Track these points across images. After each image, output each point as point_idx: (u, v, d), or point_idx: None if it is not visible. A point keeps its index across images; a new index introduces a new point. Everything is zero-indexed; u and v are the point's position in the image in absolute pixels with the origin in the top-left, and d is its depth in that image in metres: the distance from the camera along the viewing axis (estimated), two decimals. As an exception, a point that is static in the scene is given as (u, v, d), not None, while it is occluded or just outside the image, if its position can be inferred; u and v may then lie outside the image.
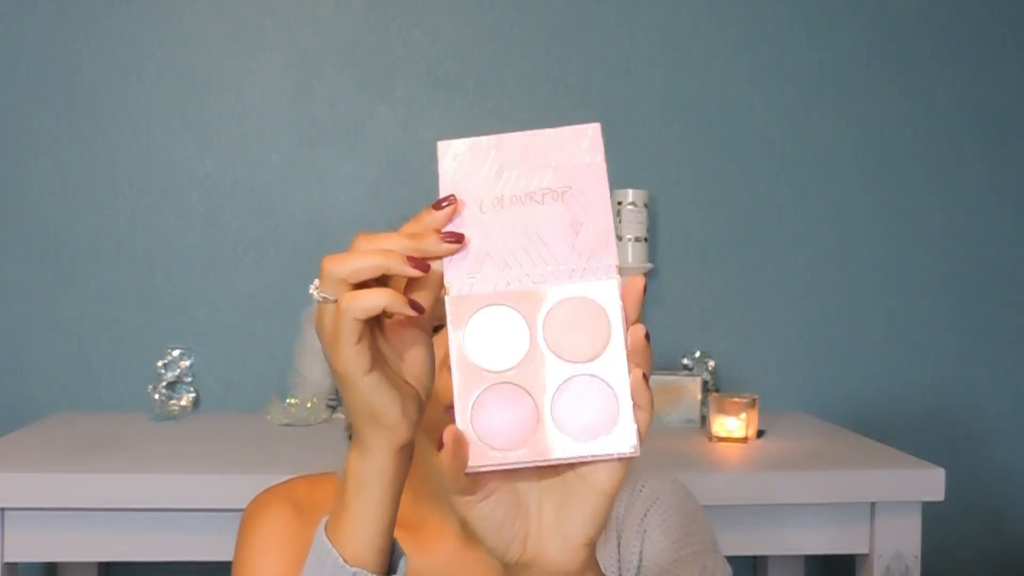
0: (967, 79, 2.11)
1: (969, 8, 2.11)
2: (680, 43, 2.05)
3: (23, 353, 1.93)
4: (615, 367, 0.53)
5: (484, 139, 0.59)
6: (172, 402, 1.91)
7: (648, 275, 1.99)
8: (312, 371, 1.86)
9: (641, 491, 0.92)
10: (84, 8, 1.94)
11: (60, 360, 1.94)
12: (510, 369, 0.54)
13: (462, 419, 0.53)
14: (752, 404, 1.69)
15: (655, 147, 2.05)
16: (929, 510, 1.51)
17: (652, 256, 1.98)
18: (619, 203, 1.92)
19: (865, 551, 1.51)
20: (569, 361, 0.54)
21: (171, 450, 1.59)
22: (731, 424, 1.68)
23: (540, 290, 0.55)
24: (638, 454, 0.52)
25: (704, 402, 1.80)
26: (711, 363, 2.02)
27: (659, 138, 2.05)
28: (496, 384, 0.54)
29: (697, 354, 2.02)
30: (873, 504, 1.50)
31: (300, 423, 1.79)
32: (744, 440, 1.67)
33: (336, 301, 0.54)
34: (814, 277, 2.08)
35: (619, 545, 0.90)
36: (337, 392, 1.88)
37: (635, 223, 1.91)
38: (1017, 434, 2.13)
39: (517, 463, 0.53)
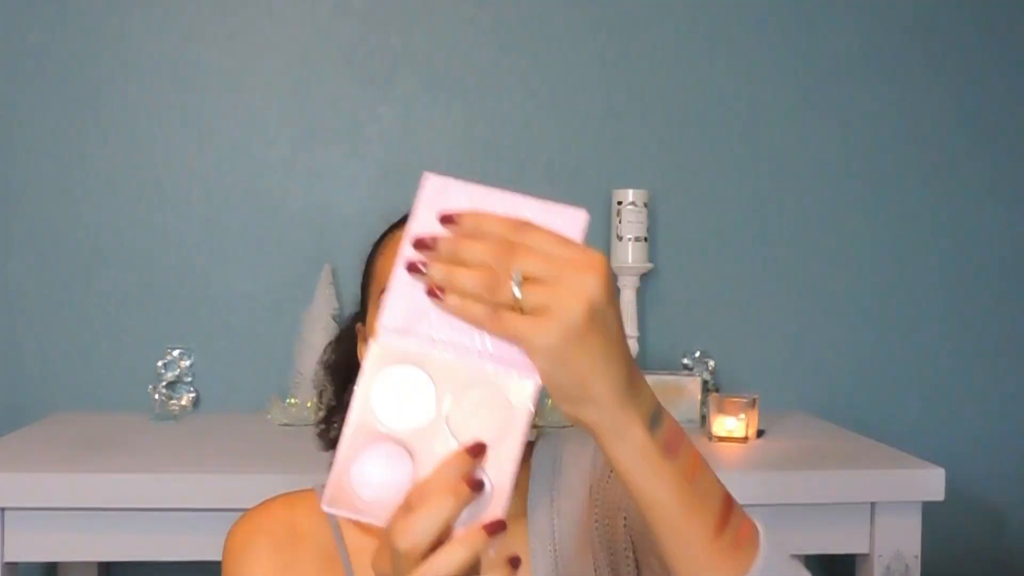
0: (965, 79, 2.11)
1: (967, 9, 2.10)
2: (681, 43, 2.05)
3: (23, 353, 1.93)
4: (503, 467, 0.54)
5: (470, 186, 0.57)
6: (172, 402, 1.91)
7: (648, 275, 1.99)
8: (312, 371, 1.86)
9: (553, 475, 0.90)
10: (84, 8, 1.94)
11: (60, 360, 1.94)
12: (405, 431, 0.55)
13: (343, 458, 0.54)
14: (752, 404, 1.69)
15: (655, 147, 2.05)
16: (929, 510, 1.51)
17: (652, 256, 1.98)
18: (619, 203, 1.92)
19: (865, 551, 1.51)
20: (460, 441, 0.55)
21: (171, 450, 1.59)
22: (731, 424, 1.68)
23: (462, 366, 0.55)
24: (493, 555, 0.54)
25: (704, 402, 1.80)
26: (711, 363, 2.02)
27: (659, 138, 2.05)
28: (387, 440, 0.55)
29: (697, 354, 2.02)
30: (873, 504, 1.50)
31: (300, 423, 1.79)
32: (744, 440, 1.67)
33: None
34: (814, 277, 2.08)
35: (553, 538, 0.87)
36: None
37: (635, 223, 1.91)
38: (1017, 434, 2.13)
39: (371, 520, 0.54)
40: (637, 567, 0.85)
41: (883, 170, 2.09)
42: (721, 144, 2.06)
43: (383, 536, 0.55)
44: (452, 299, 0.55)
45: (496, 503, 0.54)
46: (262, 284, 1.98)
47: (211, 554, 1.40)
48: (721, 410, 1.69)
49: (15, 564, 1.43)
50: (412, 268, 0.56)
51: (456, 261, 0.55)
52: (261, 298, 1.97)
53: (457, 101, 2.01)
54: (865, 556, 1.52)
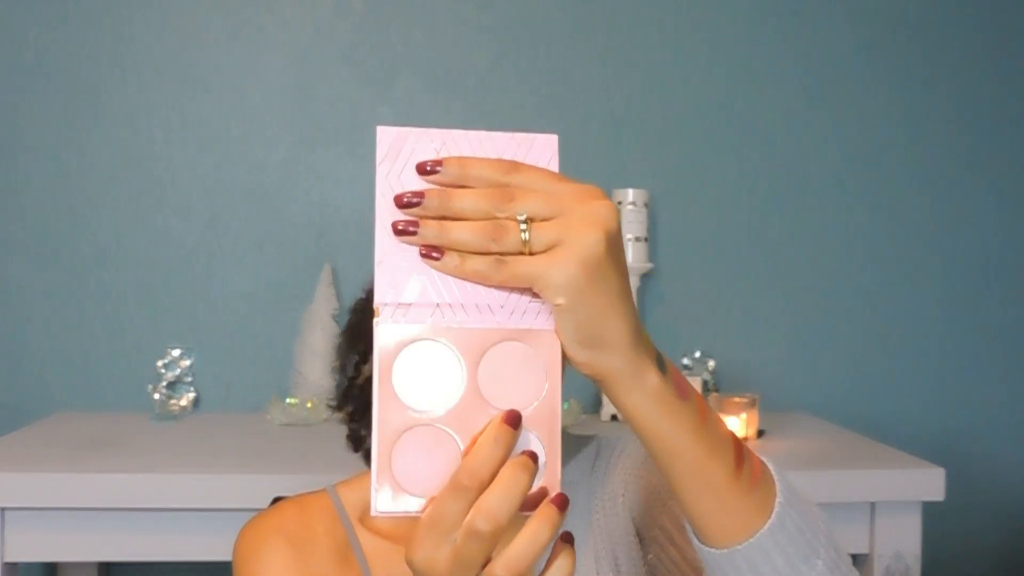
0: (963, 79, 2.11)
1: (963, 8, 2.10)
2: (681, 42, 2.05)
3: (23, 353, 1.93)
4: (547, 419, 0.51)
5: (430, 131, 0.53)
6: (172, 402, 1.91)
7: (648, 275, 1.99)
8: (312, 371, 1.86)
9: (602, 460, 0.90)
10: (84, 8, 1.94)
11: (60, 360, 1.94)
12: (440, 411, 0.51)
13: (382, 458, 0.50)
14: (752, 404, 1.69)
15: (655, 147, 2.05)
16: (929, 510, 1.51)
17: (652, 256, 1.98)
18: (619, 203, 1.92)
19: (865, 551, 1.51)
20: (501, 410, 0.51)
21: (171, 450, 1.59)
22: (731, 424, 1.68)
23: (478, 328, 0.51)
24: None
25: (704, 402, 1.80)
26: (711, 363, 2.02)
27: (659, 138, 2.05)
28: (422, 426, 0.51)
29: (697, 354, 2.02)
30: (873, 504, 1.50)
31: (300, 423, 1.79)
32: (744, 440, 1.67)
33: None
34: (814, 277, 2.07)
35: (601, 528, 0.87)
36: (336, 392, 1.88)
37: (635, 223, 1.91)
38: (1017, 434, 2.13)
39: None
40: (641, 546, 0.83)
41: (882, 170, 2.09)
42: (721, 144, 2.06)
43: (433, 526, 0.50)
44: (451, 258, 0.50)
45: (551, 471, 0.51)
46: (262, 284, 1.98)
47: (211, 554, 1.41)
48: (721, 410, 1.69)
49: (15, 564, 1.43)
50: (400, 231, 0.51)
51: (449, 214, 0.51)
52: (261, 298, 1.98)
53: (457, 101, 2.01)
54: (865, 556, 1.52)
